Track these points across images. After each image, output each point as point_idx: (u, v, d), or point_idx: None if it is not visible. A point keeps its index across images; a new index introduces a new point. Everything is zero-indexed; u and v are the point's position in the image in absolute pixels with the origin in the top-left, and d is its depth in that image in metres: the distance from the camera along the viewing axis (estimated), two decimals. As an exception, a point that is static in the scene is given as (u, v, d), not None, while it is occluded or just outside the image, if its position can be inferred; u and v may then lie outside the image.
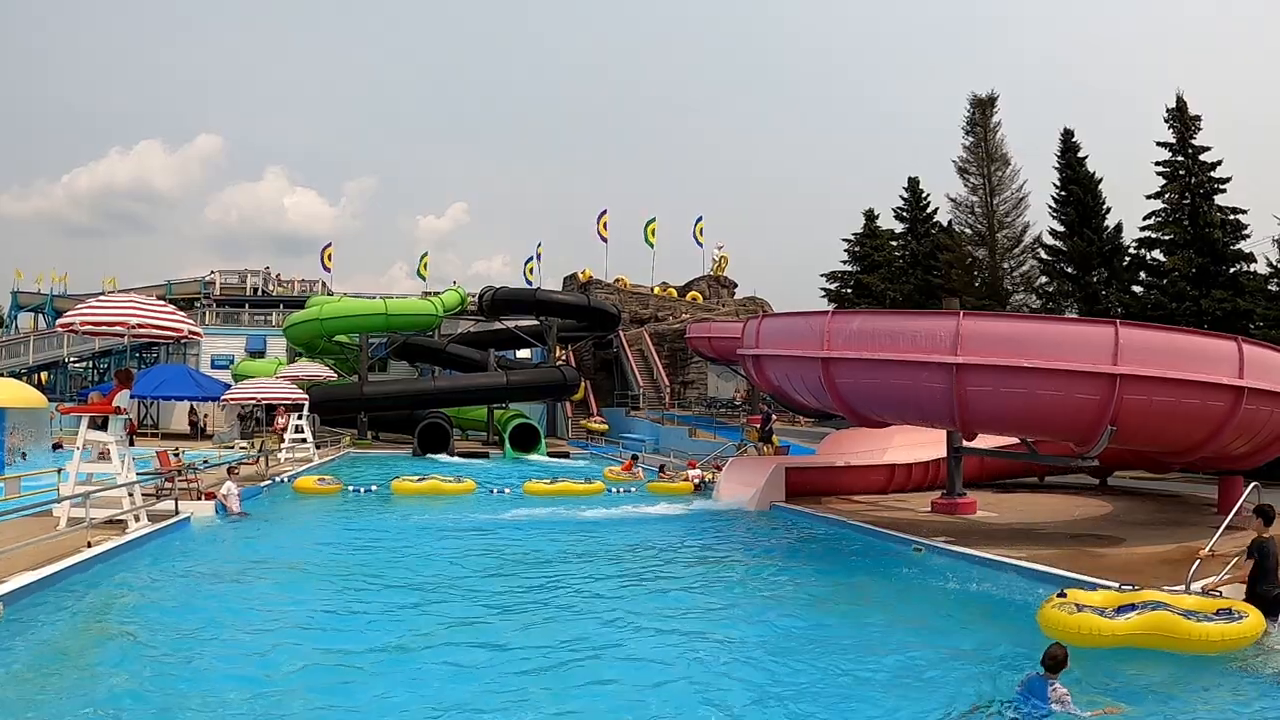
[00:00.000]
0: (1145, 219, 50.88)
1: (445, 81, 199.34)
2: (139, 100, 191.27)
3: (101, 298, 21.86)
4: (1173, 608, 10.48)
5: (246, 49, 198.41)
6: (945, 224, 69.42)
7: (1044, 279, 60.18)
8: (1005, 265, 61.84)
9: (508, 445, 46.61)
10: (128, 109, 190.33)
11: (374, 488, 28.16)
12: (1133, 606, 10.65)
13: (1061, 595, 11.15)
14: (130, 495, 18.08)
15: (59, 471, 20.40)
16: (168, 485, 21.35)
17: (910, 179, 74.88)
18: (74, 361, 65.55)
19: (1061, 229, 57.23)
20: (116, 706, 8.61)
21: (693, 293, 76.47)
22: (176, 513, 19.52)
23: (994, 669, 10.14)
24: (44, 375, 64.13)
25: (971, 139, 63.20)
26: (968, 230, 63.88)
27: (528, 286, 67.26)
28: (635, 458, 35.39)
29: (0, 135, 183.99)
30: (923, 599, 14.14)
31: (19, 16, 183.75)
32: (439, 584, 14.95)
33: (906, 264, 72.75)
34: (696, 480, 29.05)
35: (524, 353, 66.09)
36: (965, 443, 21.80)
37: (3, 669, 9.51)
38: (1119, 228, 54.94)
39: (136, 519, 17.76)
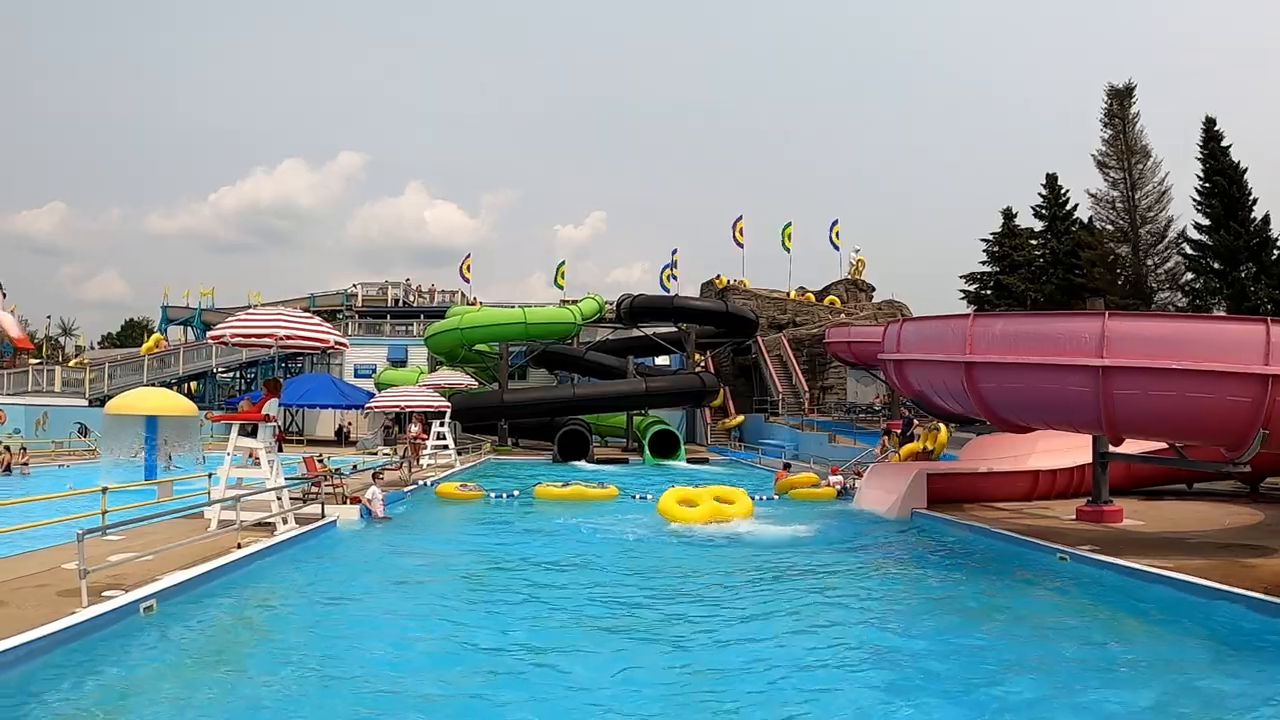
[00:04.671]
0: (1294, 210, 48.98)
1: (581, 93, 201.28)
2: (282, 121, 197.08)
3: (250, 311, 22.27)
4: None
5: (387, 70, 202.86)
6: (1085, 221, 67.81)
7: (1189, 275, 58.38)
8: (1149, 262, 60.09)
9: (647, 452, 46.49)
10: (271, 130, 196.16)
11: (515, 493, 28.21)
12: None
13: None
14: (278, 499, 18.36)
15: (210, 476, 20.74)
16: (314, 490, 21.61)
17: (1048, 175, 73.48)
18: (222, 371, 67.51)
19: (1206, 223, 55.49)
20: (261, 702, 8.61)
21: (830, 297, 75.52)
22: (323, 516, 19.75)
23: (1155, 681, 9.63)
24: (193, 385, 66.07)
25: (1110, 131, 61.61)
26: (1109, 226, 62.23)
27: (666, 294, 67.13)
28: (787, 466, 34.51)
29: (149, 158, 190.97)
30: (1070, 610, 13.51)
31: (168, 44, 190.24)
32: (580, 589, 14.74)
33: (1047, 263, 71.29)
34: (838, 486, 28.54)
35: (663, 359, 66.10)
36: (1111, 448, 21.03)
37: (155, 663, 9.60)
38: (1266, 219, 53.05)
39: (284, 522, 17.98)
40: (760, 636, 11.68)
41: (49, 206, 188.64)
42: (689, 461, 45.12)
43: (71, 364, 65.15)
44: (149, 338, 76.35)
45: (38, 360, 69.02)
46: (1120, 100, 61.45)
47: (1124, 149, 60.86)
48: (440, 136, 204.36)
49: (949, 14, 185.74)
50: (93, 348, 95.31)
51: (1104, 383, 16.45)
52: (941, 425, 32.43)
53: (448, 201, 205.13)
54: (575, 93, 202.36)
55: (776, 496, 28.63)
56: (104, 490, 15.81)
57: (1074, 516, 21.31)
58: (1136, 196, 60.36)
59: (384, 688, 9.16)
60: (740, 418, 57.97)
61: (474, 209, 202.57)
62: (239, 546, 15.06)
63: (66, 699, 8.38)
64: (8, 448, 35.27)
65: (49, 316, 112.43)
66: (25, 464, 33.46)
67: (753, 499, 24.07)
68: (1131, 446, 21.67)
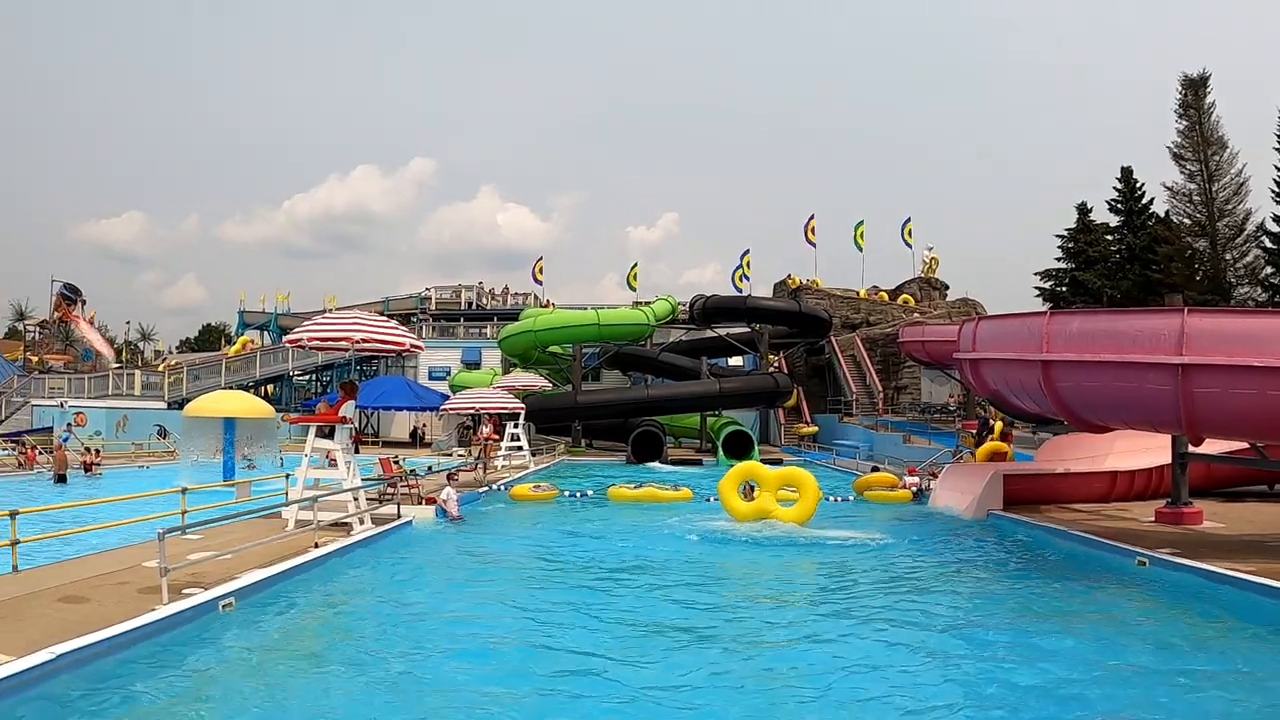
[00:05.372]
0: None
1: (651, 95, 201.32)
2: (354, 129, 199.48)
3: (327, 315, 22.48)
4: None
5: (457, 76, 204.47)
6: (1162, 215, 66.74)
7: (1269, 270, 57.30)
8: (1227, 256, 59.10)
9: (721, 452, 46.25)
10: (344, 138, 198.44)
11: (589, 493, 28.23)
12: None
13: None
14: (355, 499, 18.53)
15: (287, 477, 20.99)
16: (390, 490, 21.78)
17: (1123, 169, 72.46)
18: (298, 375, 68.18)
19: (1286, 215, 54.45)
20: (337, 699, 8.71)
21: (904, 295, 74.76)
22: (399, 516, 19.94)
23: (1234, 690, 9.38)
24: (270, 388, 66.85)
25: (1185, 123, 60.64)
26: (1186, 220, 61.27)
27: (738, 294, 66.89)
28: (876, 468, 33.91)
29: (224, 167, 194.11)
30: (1149, 615, 13.17)
31: (242, 55, 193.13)
32: (651, 592, 14.67)
33: (1123, 259, 70.27)
34: (914, 488, 28.25)
35: (736, 360, 65.91)
36: (1191, 448, 20.61)
37: (233, 659, 9.73)
38: (1348, 211, 51.90)
39: (361, 522, 18.13)
40: (830, 639, 11.59)
41: (127, 216, 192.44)
42: (763, 462, 44.76)
43: (160, 367, 66.32)
44: (236, 341, 77.76)
45: (118, 365, 70.26)
46: (1195, 90, 60.44)
47: (1200, 140, 59.87)
48: (511, 141, 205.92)
49: (1021, 9, 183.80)
50: (171, 352, 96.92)
51: (1183, 381, 16.04)
52: (1000, 419, 32.23)
53: (520, 205, 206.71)
54: (645, 95, 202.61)
55: (852, 498, 28.42)
56: (183, 491, 16.09)
57: (1153, 518, 20.97)
58: (1214, 189, 59.40)
59: (456, 685, 9.19)
60: (814, 427, 57.65)
61: (546, 212, 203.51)
62: (316, 546, 15.20)
63: (147, 692, 8.51)
64: (89, 449, 35.98)
65: (128, 322, 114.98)
66: (97, 464, 33.99)
67: (827, 497, 23.87)
68: (1211, 446, 21.23)
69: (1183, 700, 9.01)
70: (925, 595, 14.80)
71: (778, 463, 43.15)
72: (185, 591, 11.26)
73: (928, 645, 11.31)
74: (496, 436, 38.09)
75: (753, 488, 22.27)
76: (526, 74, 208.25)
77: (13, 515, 12.65)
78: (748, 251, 74.50)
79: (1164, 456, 22.52)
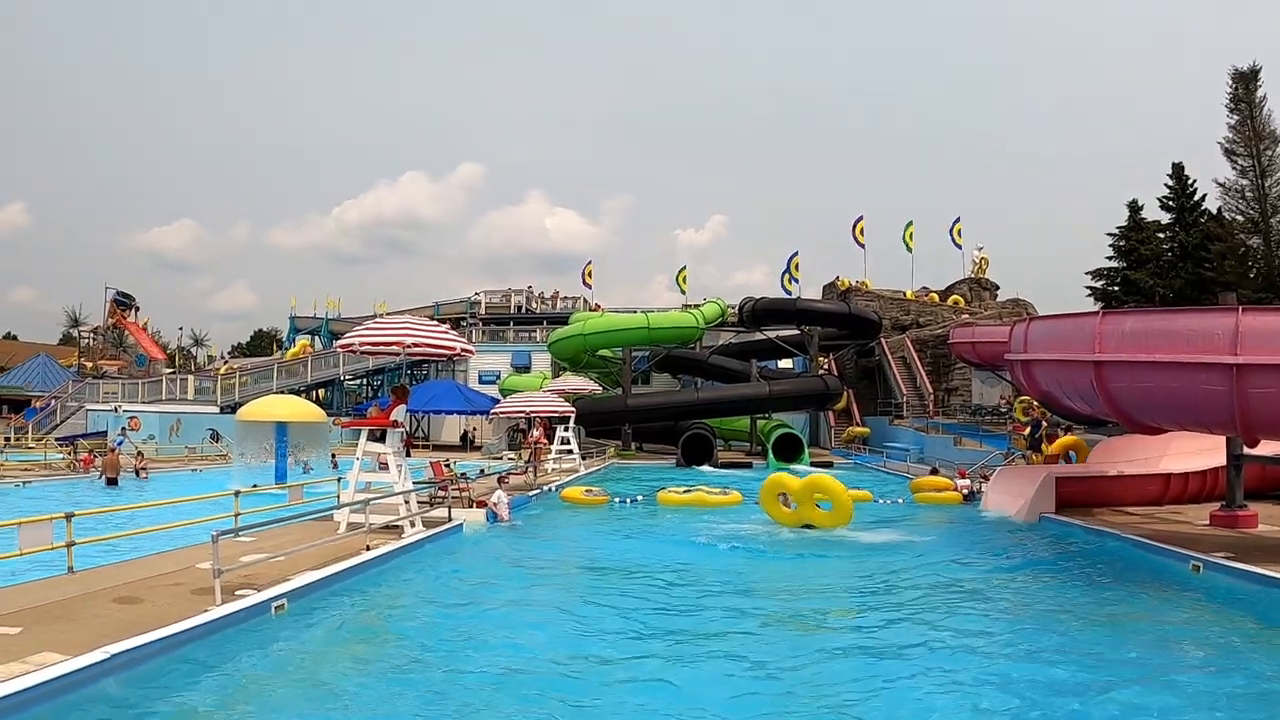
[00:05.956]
0: None
1: (700, 97, 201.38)
2: (403, 135, 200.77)
3: (378, 320, 22.62)
4: None
5: (504, 81, 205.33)
6: (1215, 212, 65.87)
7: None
8: (1281, 254, 58.16)
9: (771, 455, 46.02)
10: (392, 144, 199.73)
11: (639, 498, 28.20)
12: None
13: None
14: (406, 503, 18.63)
15: (339, 480, 21.10)
16: (441, 494, 21.83)
17: (1175, 165, 71.49)
18: (349, 379, 68.77)
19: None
20: (387, 699, 8.76)
21: (954, 296, 74.20)
22: (449, 520, 19.94)
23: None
24: (321, 392, 67.39)
25: (1236, 117, 59.72)
26: (1239, 217, 60.36)
27: (787, 296, 66.62)
28: (935, 471, 33.51)
29: (273, 173, 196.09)
30: (1204, 622, 12.91)
31: (290, 64, 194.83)
32: (700, 596, 14.65)
33: (1175, 257, 69.44)
34: (965, 490, 28.06)
35: (785, 362, 65.68)
36: (1246, 450, 20.32)
37: (286, 660, 9.81)
38: (1406, 206, 51.03)
39: (412, 525, 18.15)
40: (878, 642, 11.56)
41: (179, 223, 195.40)
42: (813, 465, 44.56)
43: (220, 370, 67.12)
44: (295, 344, 78.58)
45: (171, 370, 71.09)
46: (1246, 84, 59.57)
47: (1251, 135, 58.99)
48: (559, 144, 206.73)
49: (1070, 4, 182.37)
50: (223, 357, 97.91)
51: (1238, 381, 15.78)
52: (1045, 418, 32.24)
53: (568, 208, 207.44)
54: (693, 97, 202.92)
55: (902, 500, 28.26)
56: (236, 493, 16.21)
57: (1207, 521, 20.70)
58: (1267, 185, 58.52)
59: (507, 687, 9.20)
60: (865, 429, 57.37)
61: (594, 215, 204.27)
62: (368, 548, 15.26)
63: (201, 693, 8.57)
64: (141, 453, 36.34)
65: (180, 328, 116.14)
66: (144, 469, 34.23)
67: (878, 499, 23.56)
68: (1267, 448, 20.91)
69: (1233, 714, 8.85)
70: (972, 598, 14.71)
71: (828, 465, 43.05)
72: (239, 593, 11.35)
73: (969, 651, 11.20)
74: (546, 440, 38.18)
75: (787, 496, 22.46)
76: (574, 78, 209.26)
77: (68, 517, 12.79)
78: (796, 253, 74.00)
79: (1218, 458, 22.22)
